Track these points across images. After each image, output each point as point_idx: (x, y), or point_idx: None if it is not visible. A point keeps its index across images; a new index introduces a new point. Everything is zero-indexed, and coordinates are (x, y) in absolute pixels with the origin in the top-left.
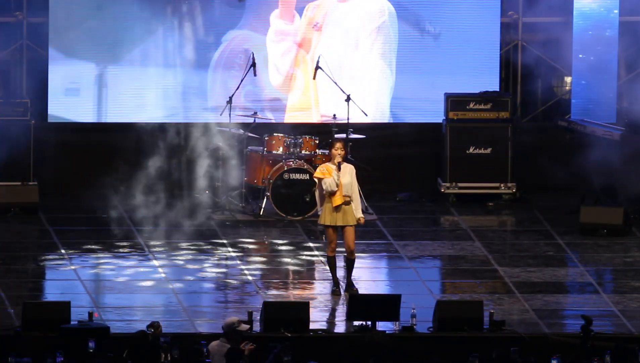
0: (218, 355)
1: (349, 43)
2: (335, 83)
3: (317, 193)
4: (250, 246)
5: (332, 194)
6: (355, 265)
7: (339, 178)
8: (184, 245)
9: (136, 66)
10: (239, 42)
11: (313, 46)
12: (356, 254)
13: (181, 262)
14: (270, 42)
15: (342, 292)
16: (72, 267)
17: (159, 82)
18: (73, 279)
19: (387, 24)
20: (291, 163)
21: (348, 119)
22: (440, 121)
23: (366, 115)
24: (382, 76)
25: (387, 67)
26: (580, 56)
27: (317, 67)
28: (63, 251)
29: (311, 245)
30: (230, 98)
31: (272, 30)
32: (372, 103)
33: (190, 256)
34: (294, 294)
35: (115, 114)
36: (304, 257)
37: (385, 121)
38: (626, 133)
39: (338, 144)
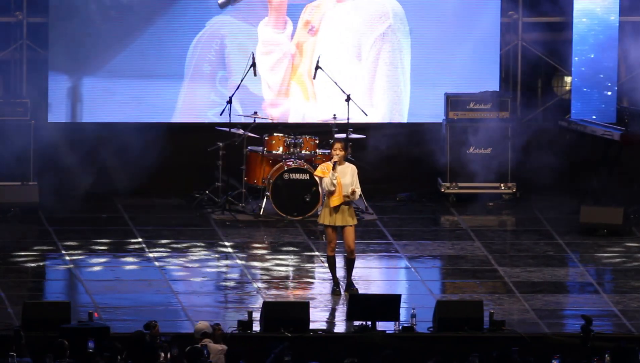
0: (217, 355)
1: (348, 50)
2: (336, 83)
3: (321, 191)
4: (250, 246)
5: (331, 193)
6: (355, 265)
7: (336, 177)
8: (184, 244)
9: (132, 66)
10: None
11: (308, 52)
12: (356, 254)
13: (181, 262)
14: (259, 54)
15: (342, 292)
16: (72, 267)
17: (159, 82)
18: (73, 279)
19: (392, 28)
20: (291, 163)
21: (348, 119)
22: (440, 121)
23: (366, 115)
24: (393, 88)
25: (398, 76)
26: (580, 56)
27: (317, 67)
28: (63, 251)
29: (311, 245)
30: (230, 98)
31: (260, 41)
32: (373, 104)
33: (190, 256)
34: (294, 294)
35: (115, 114)
36: (304, 257)
37: (386, 121)
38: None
39: (336, 145)
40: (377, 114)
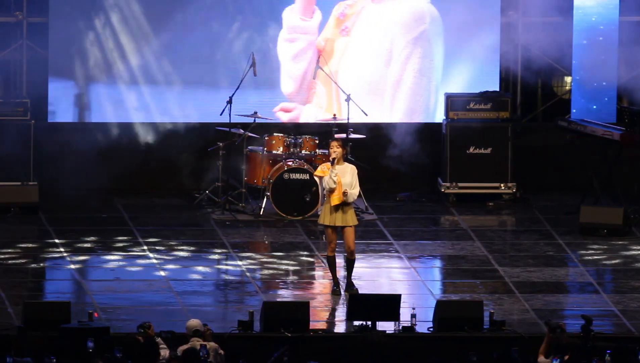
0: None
1: (379, 52)
2: (336, 83)
3: (320, 192)
4: (250, 246)
5: (331, 192)
6: (356, 265)
7: (335, 175)
8: (184, 244)
9: (133, 67)
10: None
11: (338, 53)
12: (356, 254)
13: (181, 262)
14: (282, 41)
15: (342, 292)
16: (72, 267)
17: (159, 83)
18: (73, 279)
19: (427, 34)
20: (291, 163)
21: (348, 119)
22: (440, 121)
23: (366, 115)
24: (417, 96)
25: (424, 84)
26: (580, 56)
27: (317, 67)
28: (63, 251)
29: (311, 244)
30: (230, 98)
31: (285, 27)
32: (394, 109)
33: (190, 256)
34: (294, 294)
35: (115, 114)
36: (304, 257)
37: (386, 121)
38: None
39: (333, 143)
40: (398, 118)
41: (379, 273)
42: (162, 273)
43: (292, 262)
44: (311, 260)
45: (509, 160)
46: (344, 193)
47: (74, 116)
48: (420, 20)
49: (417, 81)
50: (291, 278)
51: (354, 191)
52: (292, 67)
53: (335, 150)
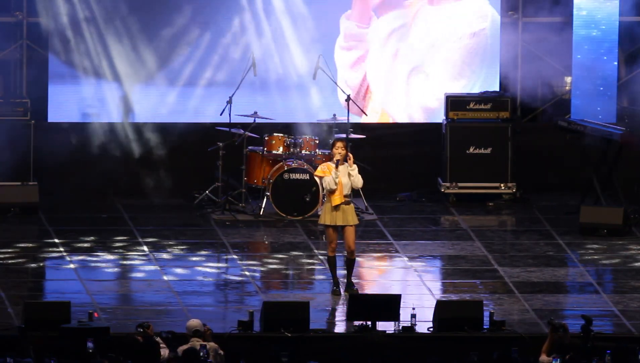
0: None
1: (434, 56)
2: (335, 83)
3: (320, 192)
4: (250, 246)
5: (331, 192)
6: (355, 265)
7: (338, 176)
8: (184, 244)
9: (130, 67)
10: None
11: (393, 54)
12: (356, 254)
13: (181, 262)
14: (339, 49)
15: (342, 292)
16: (72, 267)
17: (158, 83)
18: (73, 279)
19: (486, 33)
20: (291, 163)
21: (348, 119)
22: (440, 121)
23: (366, 115)
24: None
25: (467, 83)
26: (580, 56)
27: (317, 67)
28: (63, 251)
29: (311, 244)
30: (230, 98)
31: (342, 35)
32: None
33: (190, 256)
34: (294, 294)
35: (115, 114)
36: (304, 257)
37: (385, 120)
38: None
39: (338, 144)
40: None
41: (379, 273)
42: (162, 273)
43: (291, 262)
44: (311, 260)
45: (509, 160)
46: (350, 169)
47: (73, 115)
48: (483, 18)
49: (472, 82)
50: (291, 278)
51: (359, 178)
52: (350, 75)
53: (340, 151)
